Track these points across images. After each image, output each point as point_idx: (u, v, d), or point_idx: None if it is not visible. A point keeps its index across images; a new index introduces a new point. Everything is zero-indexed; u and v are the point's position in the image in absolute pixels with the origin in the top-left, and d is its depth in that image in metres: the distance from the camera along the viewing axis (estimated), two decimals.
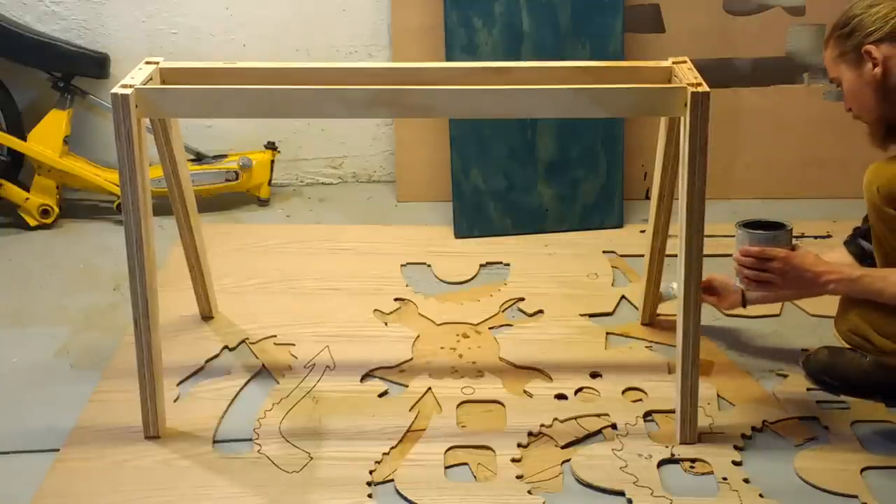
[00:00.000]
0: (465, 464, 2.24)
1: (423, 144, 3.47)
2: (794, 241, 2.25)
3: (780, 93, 3.46)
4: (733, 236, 3.18)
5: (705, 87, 2.13)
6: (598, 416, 2.37)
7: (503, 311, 2.83)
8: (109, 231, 3.32)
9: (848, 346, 2.36)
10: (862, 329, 2.25)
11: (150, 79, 2.22)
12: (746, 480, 2.17)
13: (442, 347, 2.66)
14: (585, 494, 2.15)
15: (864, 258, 2.36)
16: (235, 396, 2.45)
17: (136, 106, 2.11)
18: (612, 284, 2.97)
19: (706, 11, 3.36)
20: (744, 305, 2.58)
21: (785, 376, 2.52)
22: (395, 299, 2.88)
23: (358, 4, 3.44)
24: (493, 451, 2.26)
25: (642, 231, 3.12)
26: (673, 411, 2.31)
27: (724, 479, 2.17)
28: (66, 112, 3.32)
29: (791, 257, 2.19)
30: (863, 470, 2.20)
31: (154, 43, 3.42)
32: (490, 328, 2.75)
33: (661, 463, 2.23)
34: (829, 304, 2.74)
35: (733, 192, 3.49)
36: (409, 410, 2.40)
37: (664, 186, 2.49)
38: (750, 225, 2.25)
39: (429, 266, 3.08)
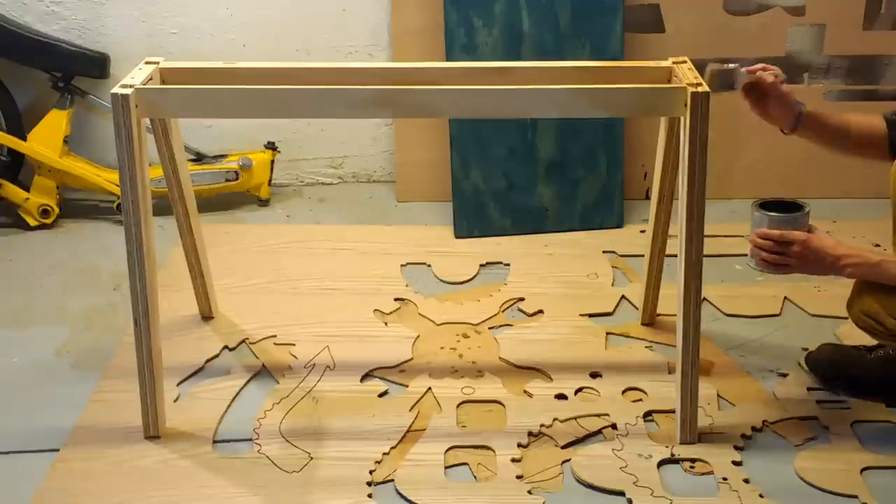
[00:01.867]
0: (465, 464, 2.24)
1: (423, 144, 3.47)
2: (810, 223, 2.19)
3: None
4: (734, 236, 3.22)
5: (705, 88, 2.13)
6: (598, 416, 2.37)
7: (503, 311, 2.83)
8: (109, 231, 3.32)
9: (858, 328, 2.31)
10: (874, 311, 2.21)
11: (150, 79, 2.22)
12: (746, 480, 2.17)
13: (442, 347, 2.66)
14: (585, 494, 2.16)
15: None
16: (235, 396, 2.45)
17: (136, 106, 2.11)
18: (612, 284, 2.97)
19: (706, 11, 3.36)
20: (785, 131, 2.30)
21: (785, 376, 2.52)
22: (395, 299, 2.88)
23: (358, 4, 3.44)
24: (493, 451, 2.26)
25: (642, 231, 3.12)
26: (673, 411, 2.31)
27: (724, 479, 2.17)
28: (66, 112, 3.32)
29: (810, 241, 2.13)
30: (863, 470, 2.20)
31: (154, 43, 3.42)
32: (490, 328, 2.75)
33: (661, 463, 2.23)
34: (829, 304, 2.75)
35: (733, 192, 3.48)
36: (409, 410, 2.40)
37: (664, 186, 2.49)
38: (767, 206, 2.20)
39: (429, 266, 3.08)
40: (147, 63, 2.28)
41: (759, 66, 2.26)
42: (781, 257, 2.15)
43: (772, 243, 2.15)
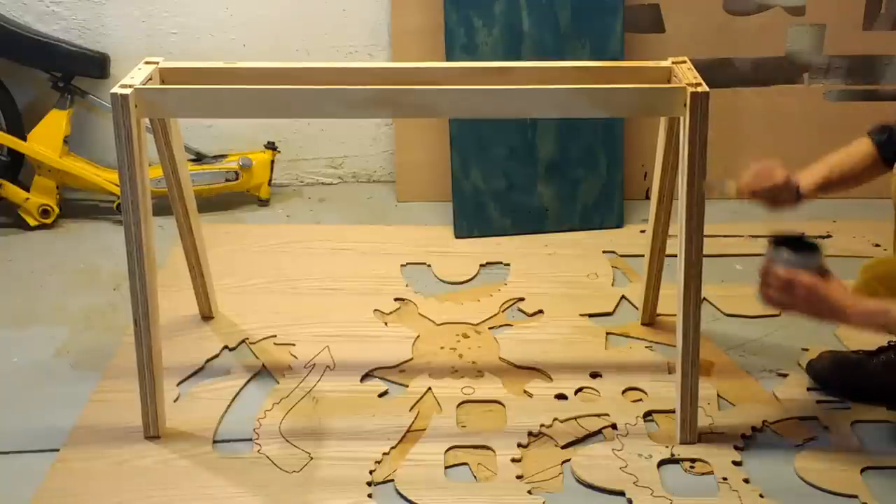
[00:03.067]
0: (465, 464, 2.24)
1: (423, 144, 3.47)
2: (824, 264, 2.07)
3: (780, 93, 3.46)
4: (733, 236, 3.22)
5: (705, 87, 2.13)
6: (598, 416, 2.37)
7: (503, 311, 2.83)
8: (109, 231, 3.32)
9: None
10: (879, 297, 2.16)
11: (150, 79, 2.22)
12: (746, 480, 2.17)
13: (442, 347, 2.66)
14: (585, 494, 2.16)
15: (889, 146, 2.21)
16: (235, 396, 2.45)
17: (136, 106, 2.11)
18: (612, 284, 2.97)
19: (706, 11, 3.36)
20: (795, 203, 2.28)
21: (785, 376, 2.52)
22: (395, 299, 2.88)
23: (358, 4, 3.44)
24: (493, 451, 2.26)
25: (642, 231, 3.12)
26: (673, 411, 2.31)
27: (724, 479, 2.18)
28: (66, 112, 3.32)
29: (817, 288, 2.01)
30: (863, 470, 2.20)
31: (154, 43, 3.42)
32: (490, 328, 2.75)
33: (661, 463, 2.23)
34: None
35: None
36: (409, 410, 2.40)
37: (664, 186, 2.49)
38: (781, 241, 2.10)
39: (429, 266, 3.08)
40: (147, 63, 2.28)
41: (751, 177, 2.26)
42: (786, 297, 2.05)
43: (780, 282, 2.05)
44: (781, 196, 2.25)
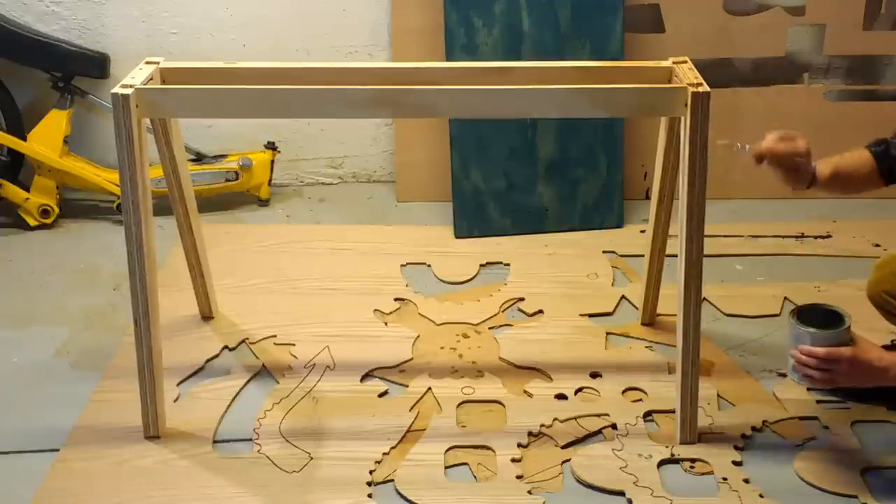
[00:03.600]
0: (465, 464, 2.24)
1: (423, 144, 3.47)
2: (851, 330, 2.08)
3: (780, 93, 3.46)
4: (734, 236, 3.22)
5: (705, 87, 2.13)
6: (598, 416, 2.37)
7: (503, 311, 2.83)
8: (109, 231, 3.32)
9: (874, 305, 2.33)
10: None
11: (151, 79, 2.22)
12: (746, 480, 2.17)
13: (442, 347, 2.66)
14: (585, 494, 2.16)
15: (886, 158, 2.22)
16: (235, 396, 2.45)
17: (137, 106, 2.11)
18: (612, 284, 2.97)
19: (706, 11, 3.36)
20: (809, 187, 2.26)
21: (785, 376, 2.52)
22: (395, 299, 2.88)
23: (358, 4, 3.44)
24: (493, 451, 2.26)
25: (642, 231, 3.12)
26: (673, 411, 2.31)
27: (724, 479, 2.18)
28: (66, 112, 3.32)
29: (858, 356, 2.05)
30: (863, 470, 2.20)
31: (154, 43, 3.42)
32: (490, 328, 2.75)
33: (661, 463, 2.23)
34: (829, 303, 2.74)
35: (733, 193, 3.48)
36: (409, 410, 2.40)
37: (664, 186, 2.49)
38: (804, 316, 2.11)
39: (429, 266, 3.08)
40: (147, 63, 2.28)
41: (774, 139, 2.19)
42: (828, 374, 2.07)
43: (818, 361, 2.07)
44: (799, 167, 2.19)
